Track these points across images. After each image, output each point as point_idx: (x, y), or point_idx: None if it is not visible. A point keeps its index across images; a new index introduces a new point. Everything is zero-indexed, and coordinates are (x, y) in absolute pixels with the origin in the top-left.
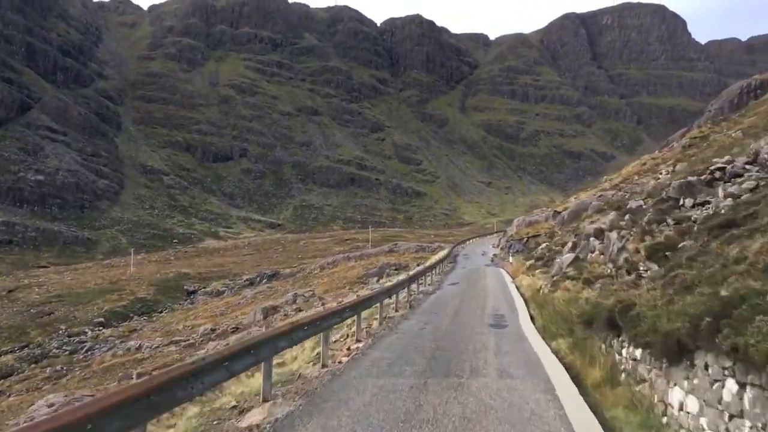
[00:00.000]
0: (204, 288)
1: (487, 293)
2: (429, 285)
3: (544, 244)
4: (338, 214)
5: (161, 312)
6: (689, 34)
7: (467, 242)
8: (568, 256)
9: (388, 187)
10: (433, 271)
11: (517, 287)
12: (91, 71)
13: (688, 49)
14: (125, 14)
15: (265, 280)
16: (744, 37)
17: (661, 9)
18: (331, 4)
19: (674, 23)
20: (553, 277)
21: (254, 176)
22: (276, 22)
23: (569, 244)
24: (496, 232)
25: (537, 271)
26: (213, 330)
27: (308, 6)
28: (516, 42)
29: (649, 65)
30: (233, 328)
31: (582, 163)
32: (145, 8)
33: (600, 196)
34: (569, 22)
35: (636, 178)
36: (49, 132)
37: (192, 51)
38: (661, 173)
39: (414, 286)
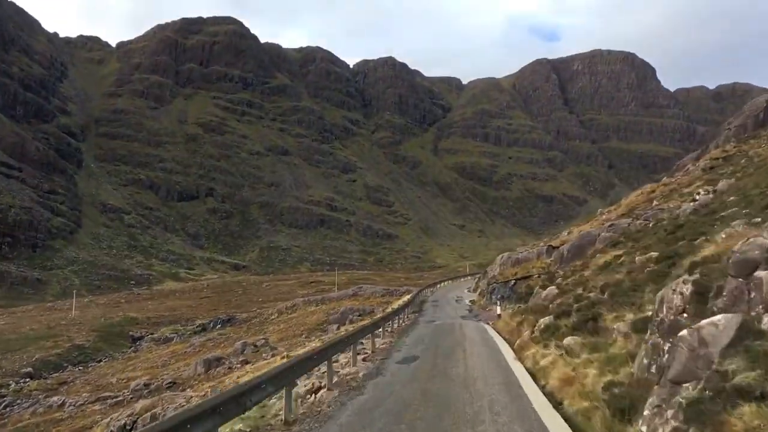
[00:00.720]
0: (152, 334)
1: (475, 390)
2: (365, 357)
3: (549, 291)
4: (306, 255)
5: (100, 361)
6: (658, 81)
7: (438, 285)
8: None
9: (359, 228)
10: (384, 327)
11: (537, 380)
12: (54, 107)
13: (657, 95)
14: (93, 50)
15: (218, 326)
16: (711, 86)
17: (631, 56)
18: (304, 45)
19: (644, 70)
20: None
21: (220, 216)
22: (247, 62)
23: (683, 292)
24: (471, 274)
25: (559, 340)
26: (147, 385)
27: (280, 46)
28: (488, 86)
29: (619, 111)
30: (170, 382)
31: (554, 206)
32: (114, 45)
33: (611, 226)
34: (541, 67)
35: (653, 204)
36: (3, 168)
37: (160, 88)
38: (698, 193)
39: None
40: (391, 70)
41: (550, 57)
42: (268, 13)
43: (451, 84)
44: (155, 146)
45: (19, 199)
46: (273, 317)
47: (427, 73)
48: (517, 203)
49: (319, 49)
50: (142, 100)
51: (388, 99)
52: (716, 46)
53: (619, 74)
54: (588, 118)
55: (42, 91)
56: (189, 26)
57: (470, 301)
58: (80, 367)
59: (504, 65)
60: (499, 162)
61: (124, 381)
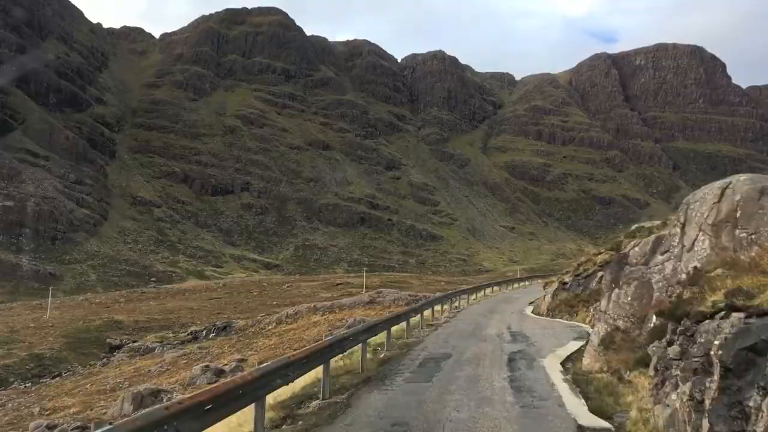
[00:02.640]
0: (134, 342)
1: None
2: None
3: None
4: (344, 255)
5: (57, 376)
6: (729, 77)
7: (480, 292)
8: None
9: (401, 228)
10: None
11: None
12: (90, 96)
13: (727, 92)
14: (135, 42)
15: (213, 334)
16: None
17: (699, 50)
18: (351, 38)
19: (712, 66)
20: None
21: (255, 212)
22: (291, 54)
23: None
24: (530, 277)
25: None
26: (51, 428)
27: (326, 39)
28: (543, 82)
29: (685, 109)
30: (78, 427)
31: (613, 209)
32: (157, 36)
33: None
34: (600, 62)
35: None
36: (29, 155)
37: (200, 79)
38: None
39: None
40: (440, 65)
41: (611, 51)
42: (315, 11)
43: (503, 80)
44: (192, 138)
45: (42, 189)
46: (270, 327)
47: (477, 69)
48: (572, 205)
49: (366, 42)
50: (182, 92)
51: (437, 94)
52: None
53: (685, 69)
54: (651, 116)
55: (78, 80)
56: (233, 17)
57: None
58: (28, 384)
59: (560, 64)
60: (553, 161)
61: (48, 412)
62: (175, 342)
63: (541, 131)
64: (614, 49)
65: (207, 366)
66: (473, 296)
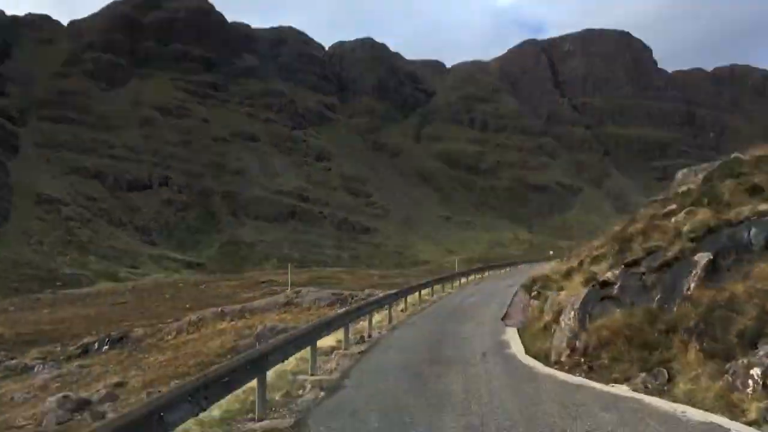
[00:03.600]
0: (12, 359)
1: None
2: None
3: None
4: (273, 251)
5: None
6: (655, 62)
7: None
8: None
9: (333, 221)
10: None
11: None
12: None
13: (654, 78)
14: (42, 30)
15: (106, 346)
16: (709, 68)
17: (626, 36)
18: (275, 26)
19: (640, 51)
20: None
21: (176, 208)
22: (211, 41)
23: None
24: (483, 268)
25: None
26: None
27: (249, 26)
28: (474, 69)
29: (614, 94)
30: None
31: (547, 196)
32: (65, 24)
33: None
34: (530, 48)
35: None
36: None
37: (113, 68)
38: None
39: None
40: (369, 52)
41: (540, 38)
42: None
43: (435, 68)
44: (104, 131)
45: None
46: (168, 338)
47: (408, 56)
48: (507, 193)
49: (291, 29)
50: (93, 82)
51: (367, 83)
52: (711, 28)
53: (613, 55)
54: (581, 102)
55: None
56: (147, 2)
57: None
58: None
59: (491, 52)
60: (487, 149)
61: None
62: (62, 358)
63: (473, 119)
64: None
65: (67, 396)
66: (399, 306)
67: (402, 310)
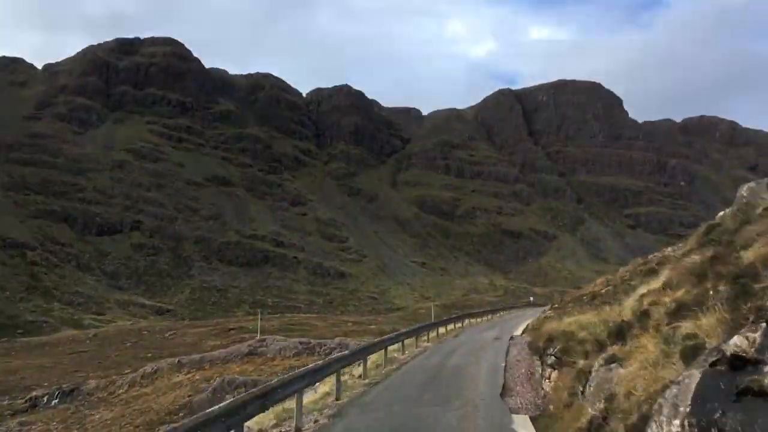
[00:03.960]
0: None
1: None
2: None
3: None
4: (245, 297)
5: None
6: (626, 112)
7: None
8: None
9: (308, 266)
10: None
11: None
12: None
13: (625, 127)
14: (15, 72)
15: (56, 400)
16: (678, 119)
17: (596, 86)
18: (252, 72)
19: (610, 101)
20: None
21: (146, 252)
22: (187, 85)
23: None
24: (462, 316)
25: None
26: None
27: (226, 71)
28: (450, 116)
29: (586, 143)
30: None
31: (522, 242)
32: (40, 67)
33: None
34: (504, 97)
35: None
36: None
37: (86, 111)
38: None
39: None
40: (346, 99)
41: (514, 87)
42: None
43: (411, 115)
44: (75, 174)
45: None
46: (120, 391)
47: (385, 104)
48: (483, 239)
49: (269, 76)
50: (65, 125)
51: (343, 128)
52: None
53: (585, 105)
54: (554, 150)
55: None
56: (123, 47)
57: None
58: None
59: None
60: (462, 195)
61: None
62: (7, 413)
63: (449, 165)
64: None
65: None
66: (358, 370)
67: (360, 376)
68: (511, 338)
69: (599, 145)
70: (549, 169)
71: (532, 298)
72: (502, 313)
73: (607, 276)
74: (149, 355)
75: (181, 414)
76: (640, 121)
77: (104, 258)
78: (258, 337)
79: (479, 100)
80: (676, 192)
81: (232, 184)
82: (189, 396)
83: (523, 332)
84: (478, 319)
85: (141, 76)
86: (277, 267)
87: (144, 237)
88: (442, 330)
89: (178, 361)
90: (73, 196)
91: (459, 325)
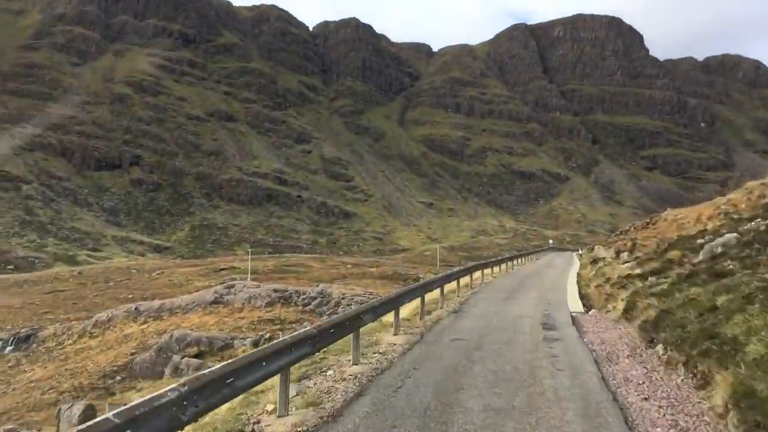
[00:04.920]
0: None
1: None
2: None
3: None
4: (246, 236)
5: None
6: (647, 49)
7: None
8: None
9: (312, 206)
10: None
11: None
12: None
13: (645, 65)
14: (11, 0)
15: (11, 346)
16: (700, 57)
17: (617, 21)
18: (257, 3)
19: (630, 37)
20: None
21: (146, 189)
22: (189, 16)
23: None
24: (476, 266)
25: None
26: None
27: (230, 2)
28: (461, 53)
29: (604, 81)
30: None
31: (533, 184)
32: None
33: None
34: (518, 33)
35: None
36: None
37: (85, 42)
38: None
39: None
40: (354, 33)
41: (529, 22)
42: None
43: (421, 51)
44: (74, 107)
45: None
46: (69, 342)
47: (394, 39)
48: (493, 180)
49: (274, 7)
50: (63, 55)
51: (351, 64)
52: (704, 17)
53: (603, 41)
54: (569, 89)
55: None
56: None
57: None
58: None
59: (478, 33)
60: (473, 135)
61: None
62: None
63: (459, 104)
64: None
65: None
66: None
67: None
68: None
69: (617, 83)
70: (563, 108)
71: (551, 241)
72: (518, 262)
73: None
74: (130, 296)
75: (117, 378)
76: (660, 59)
77: (102, 193)
78: (227, 282)
79: (493, 34)
80: (696, 133)
81: (235, 119)
82: (132, 354)
83: (588, 307)
84: (495, 270)
85: (141, 5)
86: (280, 206)
87: (144, 172)
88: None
89: (135, 308)
90: (71, 130)
91: (468, 281)
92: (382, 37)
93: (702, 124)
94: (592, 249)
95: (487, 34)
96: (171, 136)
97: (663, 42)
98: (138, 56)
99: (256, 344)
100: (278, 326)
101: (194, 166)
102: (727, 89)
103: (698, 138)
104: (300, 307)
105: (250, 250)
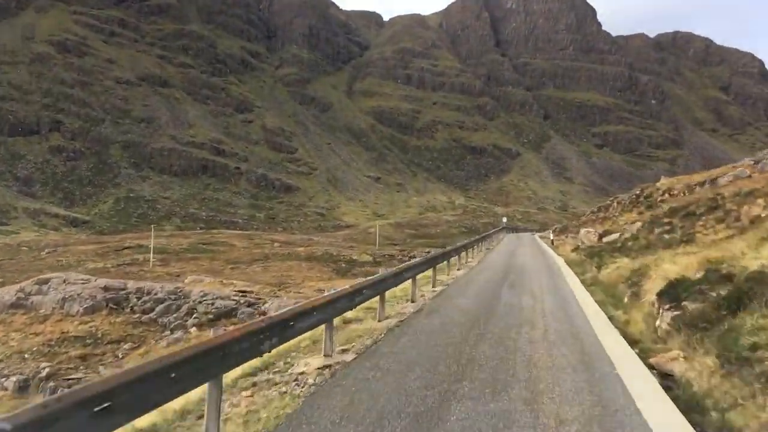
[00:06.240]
0: None
1: None
2: None
3: None
4: (177, 209)
5: None
6: (599, 24)
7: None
8: None
9: (251, 178)
10: None
11: None
12: None
13: (597, 40)
14: None
15: None
16: (652, 34)
17: None
18: None
19: (584, 11)
20: None
21: (67, 157)
22: None
23: None
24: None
25: None
26: None
27: None
28: (412, 22)
29: (556, 55)
30: None
31: (484, 159)
32: None
33: None
34: (471, 3)
35: None
36: None
37: None
38: None
39: None
40: None
41: None
42: None
43: (371, 19)
44: None
45: None
46: None
47: (343, 6)
48: (443, 154)
49: None
50: None
51: (296, 30)
52: None
53: (557, 14)
54: (522, 62)
55: None
56: None
57: None
58: None
59: (431, 7)
60: (423, 107)
61: None
62: None
63: (410, 75)
64: None
65: None
66: None
67: None
68: None
69: (569, 58)
70: (515, 82)
71: (505, 219)
72: (467, 254)
73: None
74: (1, 280)
75: None
76: (613, 35)
77: (16, 161)
78: (38, 277)
79: (445, 6)
80: (646, 111)
81: (170, 85)
82: None
83: None
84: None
85: None
86: (216, 177)
87: (64, 139)
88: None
89: None
90: None
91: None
92: (331, 3)
93: (653, 102)
94: (562, 231)
95: (440, 4)
96: (97, 101)
97: (614, 19)
98: (63, 14)
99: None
100: (89, 348)
101: (122, 134)
102: (678, 67)
103: (648, 115)
104: (137, 315)
105: (153, 226)
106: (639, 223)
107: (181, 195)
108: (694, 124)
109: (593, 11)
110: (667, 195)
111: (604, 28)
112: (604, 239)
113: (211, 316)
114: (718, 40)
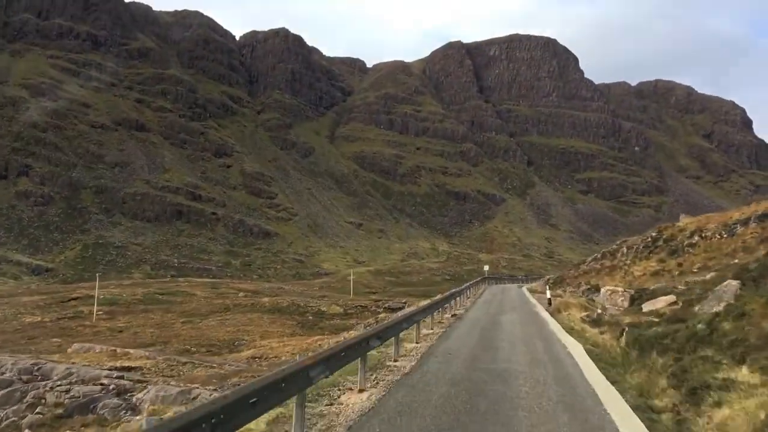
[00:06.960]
0: None
1: None
2: None
3: None
4: (148, 256)
5: None
6: (581, 71)
7: None
8: None
9: (228, 224)
10: None
11: None
12: None
13: (580, 87)
14: None
15: None
16: (633, 82)
17: (552, 42)
18: (180, 9)
19: (566, 59)
20: None
21: (34, 202)
22: (100, 17)
23: None
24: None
25: None
26: None
27: (150, 7)
28: (396, 69)
29: (539, 102)
30: None
31: (468, 205)
32: None
33: None
34: (454, 51)
35: None
36: None
37: None
38: None
39: None
40: (283, 43)
41: (465, 40)
42: None
43: (354, 65)
44: None
45: None
46: None
47: (326, 53)
48: (426, 200)
49: (198, 14)
50: None
51: (279, 76)
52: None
53: (539, 61)
54: (505, 109)
55: None
56: None
57: None
58: None
59: (414, 51)
60: (406, 153)
61: None
62: None
63: (393, 120)
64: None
65: None
66: None
67: None
68: None
69: (552, 105)
70: (499, 128)
71: (486, 268)
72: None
73: None
74: None
75: None
76: (595, 82)
77: None
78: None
79: (428, 54)
80: (630, 157)
81: (147, 129)
82: None
83: None
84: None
85: (47, 3)
86: (191, 223)
87: (32, 184)
88: None
89: None
90: None
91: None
92: (314, 50)
93: (636, 148)
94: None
95: (423, 52)
96: (69, 145)
97: (596, 68)
98: (39, 57)
99: None
100: None
101: (94, 179)
102: (660, 115)
103: (632, 162)
104: None
105: (98, 274)
106: (733, 283)
107: (153, 241)
108: (678, 171)
109: (575, 59)
110: (697, 237)
111: (586, 75)
112: (645, 307)
113: (60, 411)
114: (699, 88)
